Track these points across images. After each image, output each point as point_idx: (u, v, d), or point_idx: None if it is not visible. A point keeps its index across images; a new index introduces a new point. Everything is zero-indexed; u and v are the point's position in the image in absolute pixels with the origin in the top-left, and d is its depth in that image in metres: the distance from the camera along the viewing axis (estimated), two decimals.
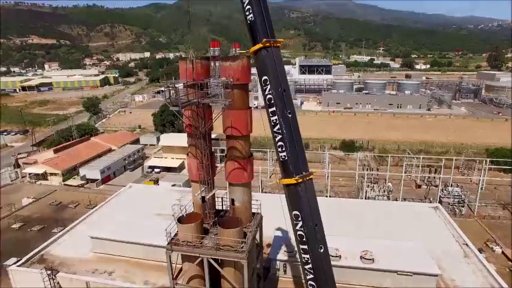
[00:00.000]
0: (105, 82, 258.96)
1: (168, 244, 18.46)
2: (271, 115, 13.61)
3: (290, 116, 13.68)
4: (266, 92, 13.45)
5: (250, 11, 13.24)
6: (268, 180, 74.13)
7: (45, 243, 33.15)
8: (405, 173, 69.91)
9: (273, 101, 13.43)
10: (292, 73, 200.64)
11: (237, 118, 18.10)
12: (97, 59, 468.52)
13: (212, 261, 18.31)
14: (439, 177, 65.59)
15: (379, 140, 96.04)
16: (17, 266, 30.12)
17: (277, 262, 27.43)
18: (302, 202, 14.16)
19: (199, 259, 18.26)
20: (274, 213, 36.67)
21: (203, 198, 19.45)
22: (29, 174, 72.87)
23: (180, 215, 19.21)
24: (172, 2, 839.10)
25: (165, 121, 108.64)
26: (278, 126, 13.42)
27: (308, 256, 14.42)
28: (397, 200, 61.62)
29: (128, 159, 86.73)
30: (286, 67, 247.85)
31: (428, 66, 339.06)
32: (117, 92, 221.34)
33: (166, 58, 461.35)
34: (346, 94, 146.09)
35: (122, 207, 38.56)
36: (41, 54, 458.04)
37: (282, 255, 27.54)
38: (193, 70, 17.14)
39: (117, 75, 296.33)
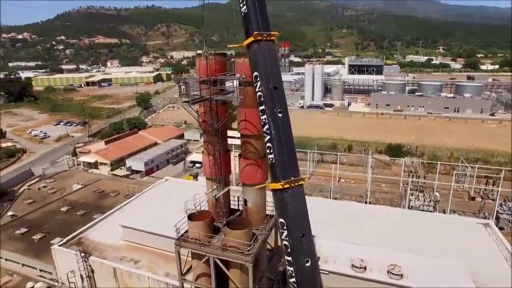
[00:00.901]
0: (158, 79, 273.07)
1: (177, 240, 18.62)
2: (261, 114, 12.75)
3: (280, 115, 12.61)
4: (256, 89, 12.66)
5: (244, 3, 12.54)
6: (306, 181, 72.69)
7: (84, 228, 35.57)
8: (457, 183, 64.03)
9: (262, 99, 12.61)
10: (341, 73, 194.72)
11: (250, 116, 17.44)
12: (153, 57, 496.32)
13: (218, 261, 18.07)
14: (497, 191, 58.93)
15: (429, 145, 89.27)
16: (58, 245, 32.70)
17: None
18: (288, 210, 13.05)
19: (206, 258, 18.14)
20: (310, 217, 35.78)
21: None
22: (83, 162, 79.13)
23: (193, 211, 19.26)
24: (225, 2, 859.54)
25: None
26: (267, 126, 12.57)
27: (292, 269, 13.34)
28: (444, 212, 56.69)
29: (171, 153, 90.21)
30: (335, 66, 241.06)
31: (497, 66, 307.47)
32: (168, 88, 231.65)
33: None
34: (397, 96, 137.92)
35: (155, 199, 40.04)
36: (104, 52, 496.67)
37: None
38: (207, 66, 16.92)
39: (170, 72, 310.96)
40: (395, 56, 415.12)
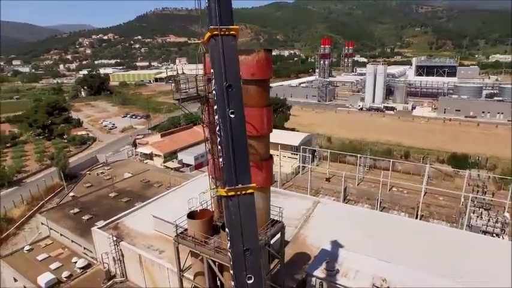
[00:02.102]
0: None
1: (175, 236, 18.77)
2: (215, 113, 11.93)
3: (233, 116, 11.64)
4: (212, 87, 11.85)
5: None
6: (354, 187, 68.91)
7: (122, 214, 38.11)
8: None
9: (215, 98, 11.83)
10: (408, 74, 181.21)
11: (251, 116, 16.74)
12: None
13: (211, 262, 17.76)
14: None
15: (505, 158, 78.38)
16: (97, 228, 35.54)
17: (313, 278, 24.97)
18: (231, 219, 11.95)
19: (201, 257, 17.97)
20: (343, 226, 33.86)
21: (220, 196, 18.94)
22: (140, 153, 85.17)
23: (196, 209, 19.27)
24: (292, 1, 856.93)
25: None
26: (218, 127, 11.72)
27: (234, 284, 12.25)
28: None
29: None
30: (402, 67, 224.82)
31: None
32: None
33: (281, 55, 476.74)
34: (470, 100, 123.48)
35: (190, 193, 41.12)
36: (174, 50, 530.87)
37: (320, 272, 24.89)
38: (204, 64, 16.69)
39: None
40: (476, 56, 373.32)
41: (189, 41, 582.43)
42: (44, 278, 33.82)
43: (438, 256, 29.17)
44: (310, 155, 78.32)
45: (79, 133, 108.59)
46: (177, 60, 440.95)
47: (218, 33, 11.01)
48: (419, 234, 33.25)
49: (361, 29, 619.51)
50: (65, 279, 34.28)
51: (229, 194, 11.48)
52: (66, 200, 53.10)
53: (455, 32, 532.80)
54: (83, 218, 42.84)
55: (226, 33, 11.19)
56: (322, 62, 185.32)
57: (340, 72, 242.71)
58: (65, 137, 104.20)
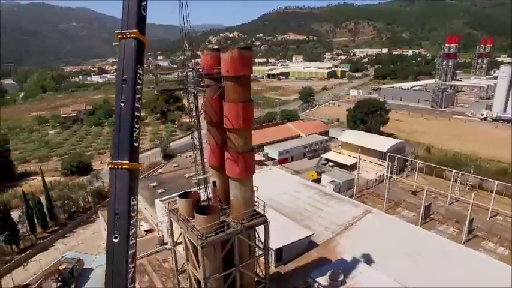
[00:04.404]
0: (331, 75, 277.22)
1: (169, 211, 21.27)
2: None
3: (122, 105, 14.15)
4: None
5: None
6: (444, 206, 59.74)
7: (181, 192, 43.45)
8: None
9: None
10: None
11: (229, 110, 17.94)
12: (336, 53, 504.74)
13: (187, 239, 19.49)
14: None
15: None
16: (159, 200, 41.62)
17: (316, 284, 24.14)
18: (111, 188, 14.61)
19: (181, 232, 19.88)
20: (383, 241, 31.36)
21: (214, 182, 20.47)
22: None
23: (189, 191, 21.49)
24: None
25: (357, 118, 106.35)
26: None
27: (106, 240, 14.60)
28: None
29: (309, 148, 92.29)
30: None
31: None
32: (338, 85, 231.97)
33: (403, 55, 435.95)
34: None
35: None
36: (292, 48, 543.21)
37: (323, 279, 23.91)
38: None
39: (346, 70, 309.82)
40: None
41: (308, 39, 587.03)
42: None
43: None
44: (395, 163, 71.63)
45: (187, 120, 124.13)
46: (293, 58, 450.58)
47: (122, 37, 13.42)
48: (484, 276, 27.03)
49: None
50: None
51: (109, 166, 14.21)
52: (155, 175, 62.50)
53: None
54: (158, 191, 50.22)
55: (128, 36, 13.32)
56: (445, 63, 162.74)
57: (470, 75, 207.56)
58: (176, 122, 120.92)
